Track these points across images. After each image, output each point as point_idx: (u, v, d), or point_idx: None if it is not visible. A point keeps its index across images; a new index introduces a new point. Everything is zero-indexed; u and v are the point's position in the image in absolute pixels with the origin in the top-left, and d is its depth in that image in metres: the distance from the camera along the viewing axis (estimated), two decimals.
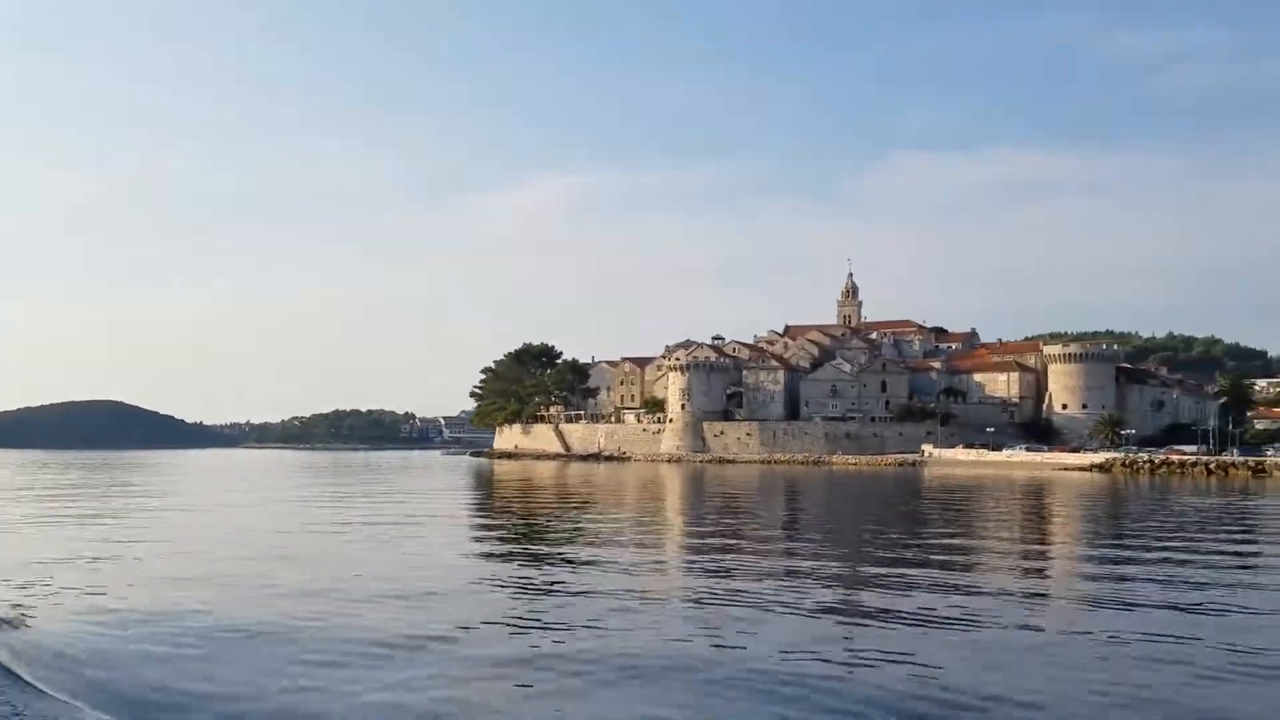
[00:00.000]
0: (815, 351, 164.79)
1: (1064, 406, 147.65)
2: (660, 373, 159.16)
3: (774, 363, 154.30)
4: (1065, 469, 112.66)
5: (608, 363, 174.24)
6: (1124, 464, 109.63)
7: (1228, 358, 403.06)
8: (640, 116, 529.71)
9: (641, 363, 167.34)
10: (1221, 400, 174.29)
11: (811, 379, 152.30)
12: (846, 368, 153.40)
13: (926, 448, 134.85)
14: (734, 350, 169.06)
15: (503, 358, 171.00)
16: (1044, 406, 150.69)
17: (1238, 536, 39.46)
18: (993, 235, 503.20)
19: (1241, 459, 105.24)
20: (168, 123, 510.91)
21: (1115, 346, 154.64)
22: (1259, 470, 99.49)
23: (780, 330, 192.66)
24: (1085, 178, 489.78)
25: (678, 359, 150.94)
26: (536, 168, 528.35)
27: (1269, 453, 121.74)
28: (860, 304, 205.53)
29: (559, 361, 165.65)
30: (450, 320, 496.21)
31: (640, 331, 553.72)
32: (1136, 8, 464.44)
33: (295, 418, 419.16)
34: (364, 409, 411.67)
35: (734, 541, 34.27)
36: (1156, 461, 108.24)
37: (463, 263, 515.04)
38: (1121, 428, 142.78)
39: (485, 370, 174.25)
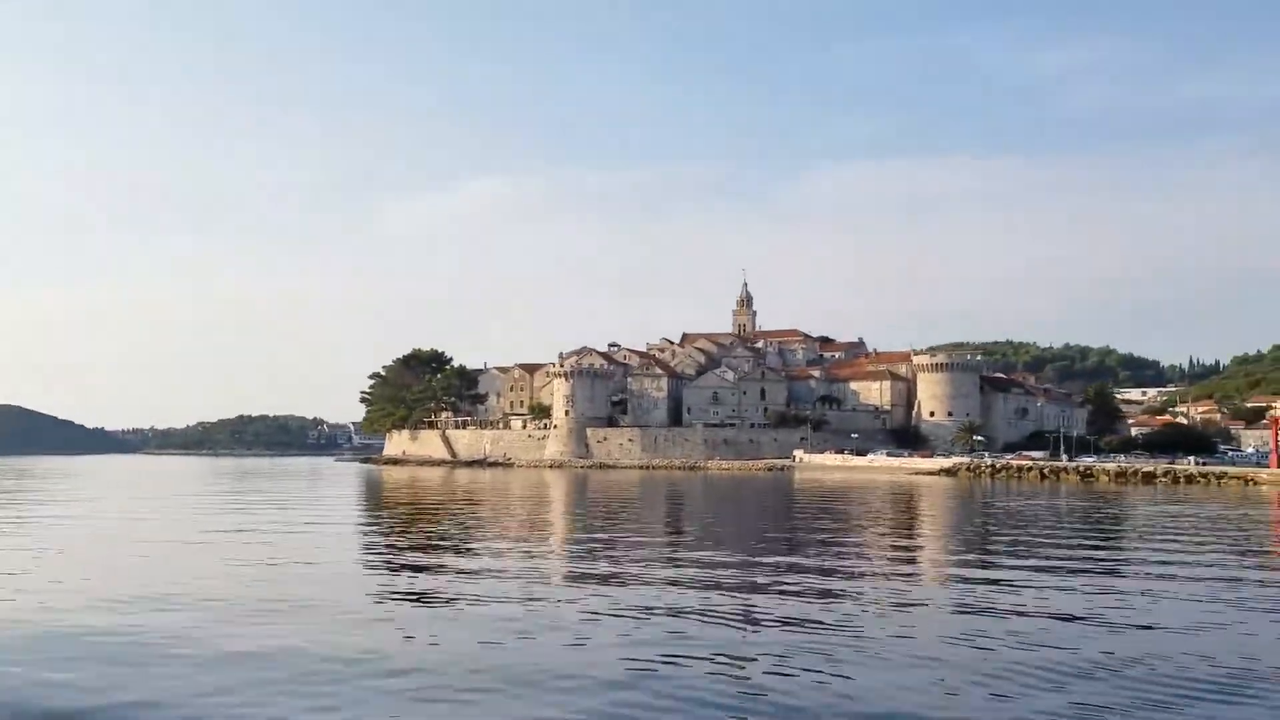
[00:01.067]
0: (702, 359, 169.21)
1: (931, 414, 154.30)
2: (548, 379, 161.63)
3: (659, 370, 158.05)
4: (918, 473, 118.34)
5: (498, 369, 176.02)
6: (968, 468, 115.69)
7: (1121, 367, 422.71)
8: (565, 122, 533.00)
9: (532, 369, 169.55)
10: (1087, 408, 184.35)
11: (694, 386, 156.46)
12: (730, 376, 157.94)
13: (798, 453, 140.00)
14: (625, 357, 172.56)
15: (391, 363, 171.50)
16: (914, 414, 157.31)
17: (1020, 533, 42.40)
18: (904, 245, 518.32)
19: (1072, 464, 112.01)
20: (95, 119, 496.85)
21: (979, 357, 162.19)
22: (1086, 475, 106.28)
23: (678, 338, 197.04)
24: (993, 189, 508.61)
25: (562, 366, 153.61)
26: (458, 171, 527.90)
27: (1119, 459, 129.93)
28: (755, 313, 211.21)
29: (448, 367, 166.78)
30: (362, 323, 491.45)
31: (549, 337, 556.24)
32: (1043, 27, 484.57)
33: (201, 423, 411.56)
34: (273, 415, 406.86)
35: (606, 547, 33.90)
36: (997, 466, 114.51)
37: (376, 265, 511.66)
38: (981, 434, 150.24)
39: (373, 376, 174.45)
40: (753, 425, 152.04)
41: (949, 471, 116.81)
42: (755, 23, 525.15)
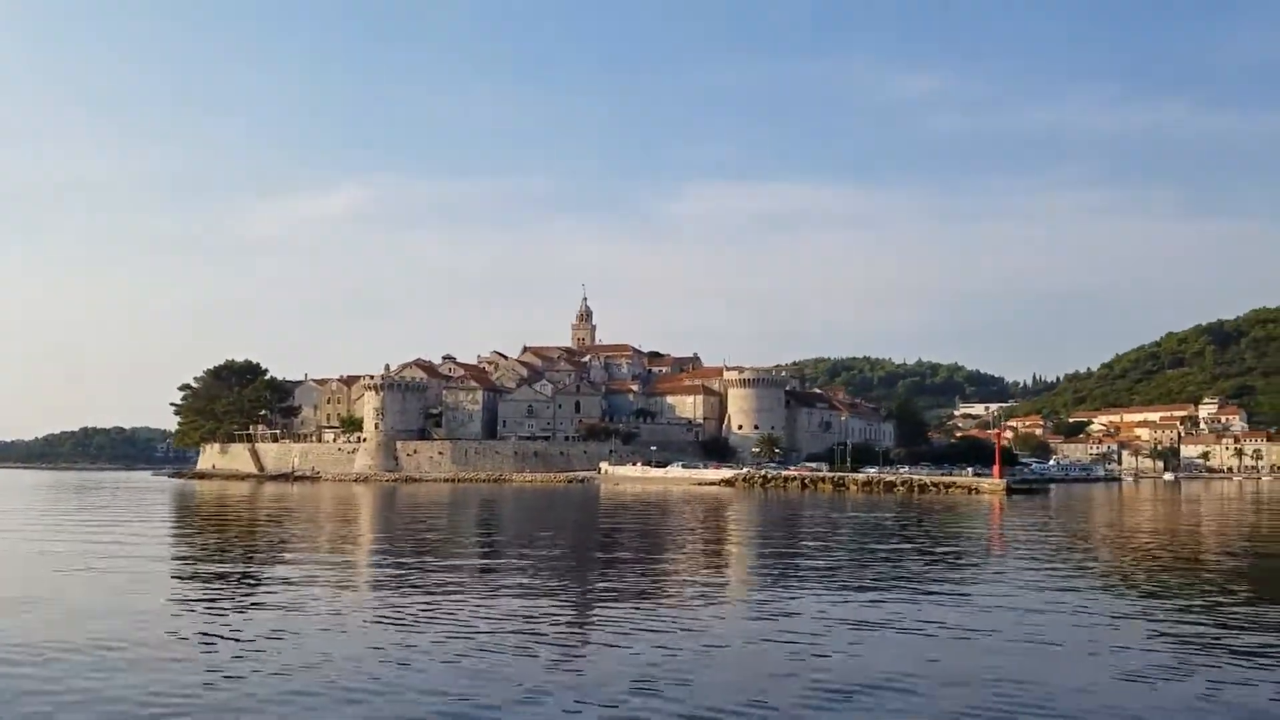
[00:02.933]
0: (525, 373, 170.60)
1: (739, 427, 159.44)
2: (362, 392, 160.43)
3: (474, 383, 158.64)
4: (702, 484, 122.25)
5: (316, 381, 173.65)
6: (745, 479, 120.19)
7: (969, 383, 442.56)
8: (434, 129, 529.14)
9: (350, 381, 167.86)
10: (893, 421, 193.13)
11: (509, 399, 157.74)
12: (548, 389, 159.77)
13: (604, 465, 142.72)
14: (450, 370, 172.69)
15: (202, 374, 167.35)
16: (724, 427, 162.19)
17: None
18: (766, 262, 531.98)
19: (832, 474, 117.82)
20: None
21: (784, 373, 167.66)
22: (839, 485, 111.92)
23: (519, 351, 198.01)
24: (853, 209, 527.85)
25: (372, 378, 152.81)
26: (321, 176, 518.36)
27: (903, 470, 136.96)
28: (594, 327, 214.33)
29: (259, 379, 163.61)
30: (211, 331, 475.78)
31: (395, 347, 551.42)
32: (901, 55, 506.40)
33: (48, 434, 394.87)
34: (126, 427, 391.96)
35: (401, 558, 33.53)
36: (768, 477, 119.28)
37: (230, 271, 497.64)
38: (785, 446, 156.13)
39: (183, 388, 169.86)
40: (567, 438, 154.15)
41: (728, 482, 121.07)
42: (625, 40, 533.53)
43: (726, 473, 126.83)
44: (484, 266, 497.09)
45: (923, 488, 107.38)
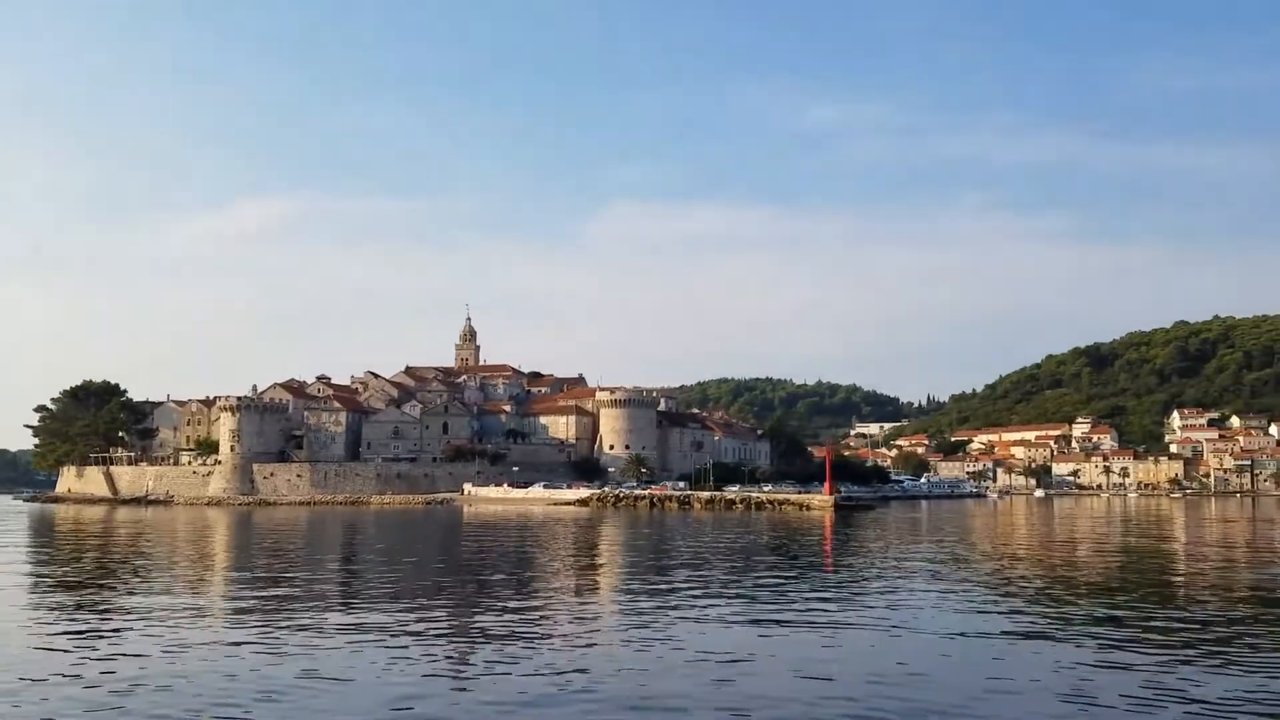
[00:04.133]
0: (395, 393, 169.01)
1: (611, 447, 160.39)
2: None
3: (337, 404, 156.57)
4: (558, 504, 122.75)
5: (176, 403, 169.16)
6: (598, 499, 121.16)
7: (865, 403, 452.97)
8: (353, 146, 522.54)
9: (210, 402, 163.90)
10: (768, 441, 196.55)
11: (374, 421, 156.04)
12: (416, 410, 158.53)
13: (467, 486, 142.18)
14: (319, 390, 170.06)
15: (59, 395, 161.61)
16: (596, 447, 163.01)
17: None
18: (681, 283, 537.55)
19: (680, 494, 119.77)
20: None
21: (654, 393, 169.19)
22: (684, 504, 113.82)
23: (402, 369, 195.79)
24: (768, 233, 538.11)
25: (227, 399, 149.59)
26: (237, 192, 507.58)
27: (766, 488, 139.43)
28: (478, 347, 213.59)
29: (115, 400, 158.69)
30: (112, 349, 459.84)
31: (283, 365, 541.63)
32: (823, 82, 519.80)
33: None
34: (13, 449, 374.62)
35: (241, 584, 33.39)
36: (620, 497, 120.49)
37: (134, 287, 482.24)
38: (653, 465, 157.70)
39: (40, 409, 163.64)
40: (434, 460, 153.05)
41: (583, 502, 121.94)
42: (547, 61, 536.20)
43: (584, 492, 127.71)
44: (393, 285, 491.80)
45: (759, 505, 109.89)
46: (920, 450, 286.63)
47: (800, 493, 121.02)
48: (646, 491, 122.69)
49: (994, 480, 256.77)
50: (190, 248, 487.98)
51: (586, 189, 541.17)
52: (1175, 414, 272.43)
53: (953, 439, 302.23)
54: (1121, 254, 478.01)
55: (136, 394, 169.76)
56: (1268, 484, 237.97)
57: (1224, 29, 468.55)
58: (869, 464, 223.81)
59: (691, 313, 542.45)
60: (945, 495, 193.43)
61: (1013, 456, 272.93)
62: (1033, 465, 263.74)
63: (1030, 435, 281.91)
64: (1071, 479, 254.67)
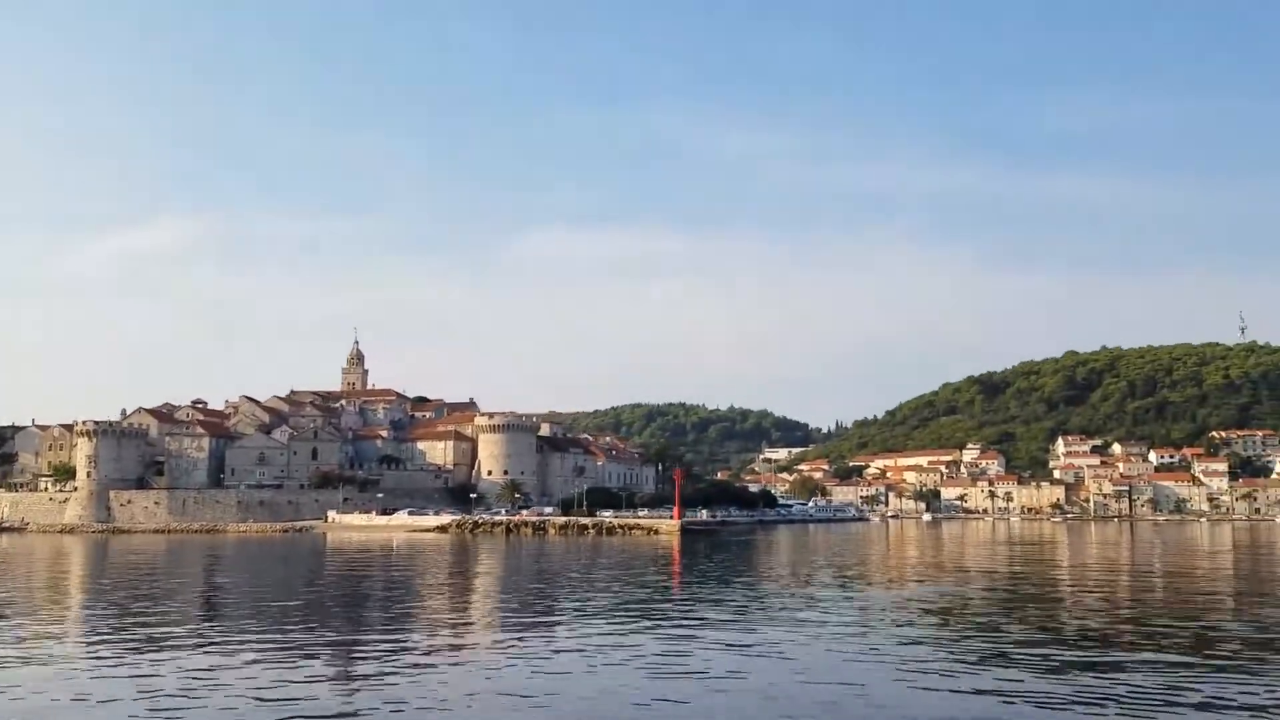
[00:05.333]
0: (266, 418, 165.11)
1: (489, 473, 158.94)
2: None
3: (200, 430, 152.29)
4: (417, 530, 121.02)
5: (39, 426, 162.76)
6: (457, 525, 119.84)
7: (775, 429, 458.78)
8: (267, 167, 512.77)
9: (71, 427, 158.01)
10: (654, 465, 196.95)
11: (238, 447, 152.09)
12: (284, 436, 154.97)
13: (331, 513, 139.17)
14: (187, 415, 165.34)
15: None
16: (474, 472, 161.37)
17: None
18: (602, 309, 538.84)
19: (535, 519, 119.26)
20: None
21: (534, 418, 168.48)
22: (539, 529, 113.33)
23: (284, 394, 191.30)
24: (685, 259, 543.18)
25: (84, 424, 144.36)
26: (150, 209, 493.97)
27: (643, 513, 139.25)
28: (366, 371, 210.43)
29: None
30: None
31: (173, 387, 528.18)
32: (738, 112, 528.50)
33: None
34: None
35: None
36: (478, 523, 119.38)
37: (49, 304, 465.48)
38: (531, 490, 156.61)
39: None
40: (301, 486, 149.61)
41: (442, 529, 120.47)
42: (468, 90, 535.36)
43: (445, 519, 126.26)
44: (305, 306, 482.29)
45: (610, 529, 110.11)
46: (818, 475, 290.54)
47: (650, 517, 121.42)
48: (504, 518, 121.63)
49: (886, 504, 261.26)
50: (91, 268, 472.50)
51: (505, 214, 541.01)
52: (1060, 440, 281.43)
53: (850, 464, 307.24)
54: (1021, 284, 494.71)
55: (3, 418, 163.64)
56: (1144, 509, 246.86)
57: (1118, 68, 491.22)
58: (763, 488, 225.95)
59: (606, 338, 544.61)
60: (828, 519, 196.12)
61: (905, 481, 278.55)
62: (923, 490, 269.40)
63: (923, 461, 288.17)
64: (959, 503, 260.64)
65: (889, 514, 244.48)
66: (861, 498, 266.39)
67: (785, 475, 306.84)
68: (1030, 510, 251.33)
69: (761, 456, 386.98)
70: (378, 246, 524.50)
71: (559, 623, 31.36)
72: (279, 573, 58.85)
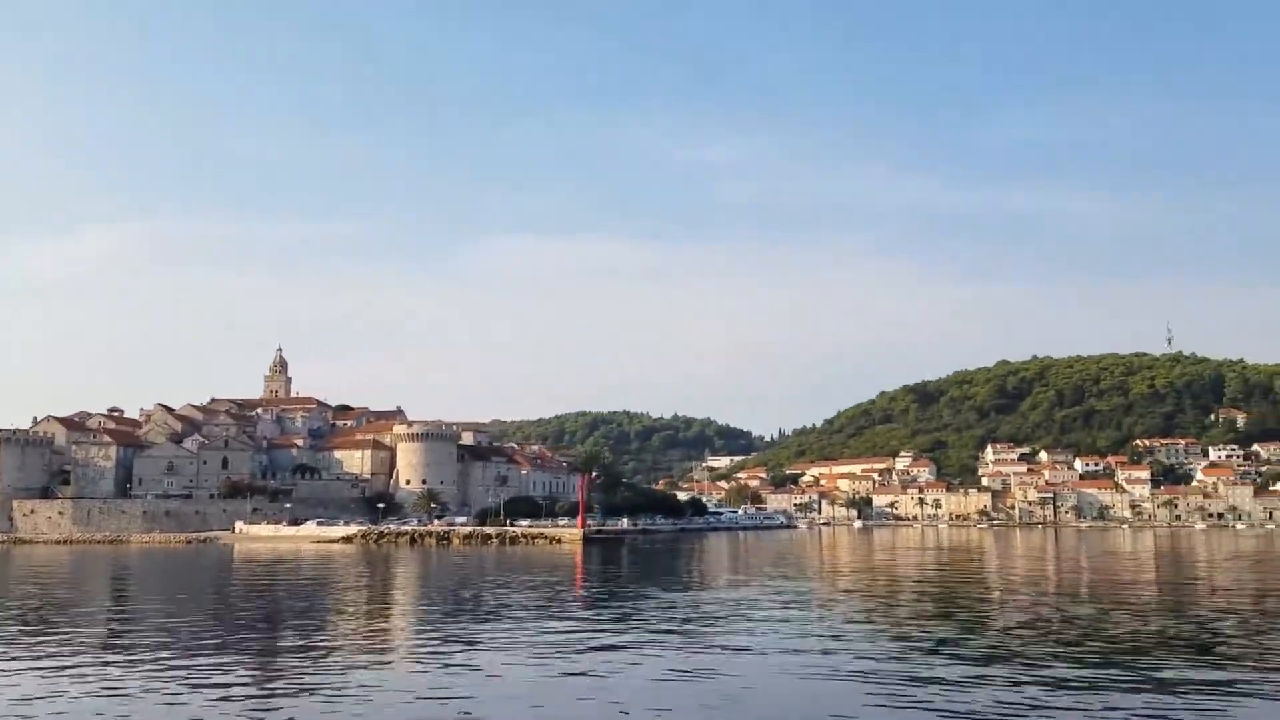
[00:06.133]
0: (179, 427, 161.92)
1: (408, 482, 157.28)
2: None
3: (108, 439, 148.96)
4: (329, 541, 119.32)
5: None
6: (362, 536, 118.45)
7: (719, 437, 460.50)
8: (221, 169, 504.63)
9: None
10: (578, 474, 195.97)
11: (147, 456, 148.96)
12: (193, 445, 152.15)
13: (239, 524, 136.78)
14: (99, 424, 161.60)
15: None
16: (392, 482, 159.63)
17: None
18: (551, 317, 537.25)
19: (439, 529, 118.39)
20: None
21: (454, 428, 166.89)
22: (443, 539, 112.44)
23: (206, 402, 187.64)
24: (640, 268, 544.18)
25: None
26: (82, 216, 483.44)
27: (562, 522, 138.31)
28: (290, 379, 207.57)
29: None
30: None
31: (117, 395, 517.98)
32: (701, 123, 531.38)
33: None
34: None
35: None
36: (383, 533, 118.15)
37: None
38: (449, 500, 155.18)
39: None
40: (211, 496, 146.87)
41: (348, 540, 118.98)
42: (429, 94, 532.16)
43: (351, 529, 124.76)
44: (254, 311, 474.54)
45: (513, 539, 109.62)
46: (755, 483, 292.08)
47: (556, 527, 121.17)
48: (410, 529, 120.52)
49: (819, 512, 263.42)
50: (31, 274, 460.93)
51: (457, 220, 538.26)
52: (989, 448, 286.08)
53: (787, 472, 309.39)
54: (970, 295, 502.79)
55: None
56: (1068, 515, 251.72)
57: (1059, 85, 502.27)
58: (694, 496, 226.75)
59: (553, 346, 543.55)
60: (756, 527, 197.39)
61: (838, 489, 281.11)
62: (856, 497, 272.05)
63: (857, 469, 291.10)
64: (890, 510, 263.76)
65: (821, 521, 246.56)
66: (795, 505, 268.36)
67: (723, 483, 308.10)
68: (958, 517, 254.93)
69: (703, 464, 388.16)
70: (332, 251, 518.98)
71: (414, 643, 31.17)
72: (167, 587, 57.67)
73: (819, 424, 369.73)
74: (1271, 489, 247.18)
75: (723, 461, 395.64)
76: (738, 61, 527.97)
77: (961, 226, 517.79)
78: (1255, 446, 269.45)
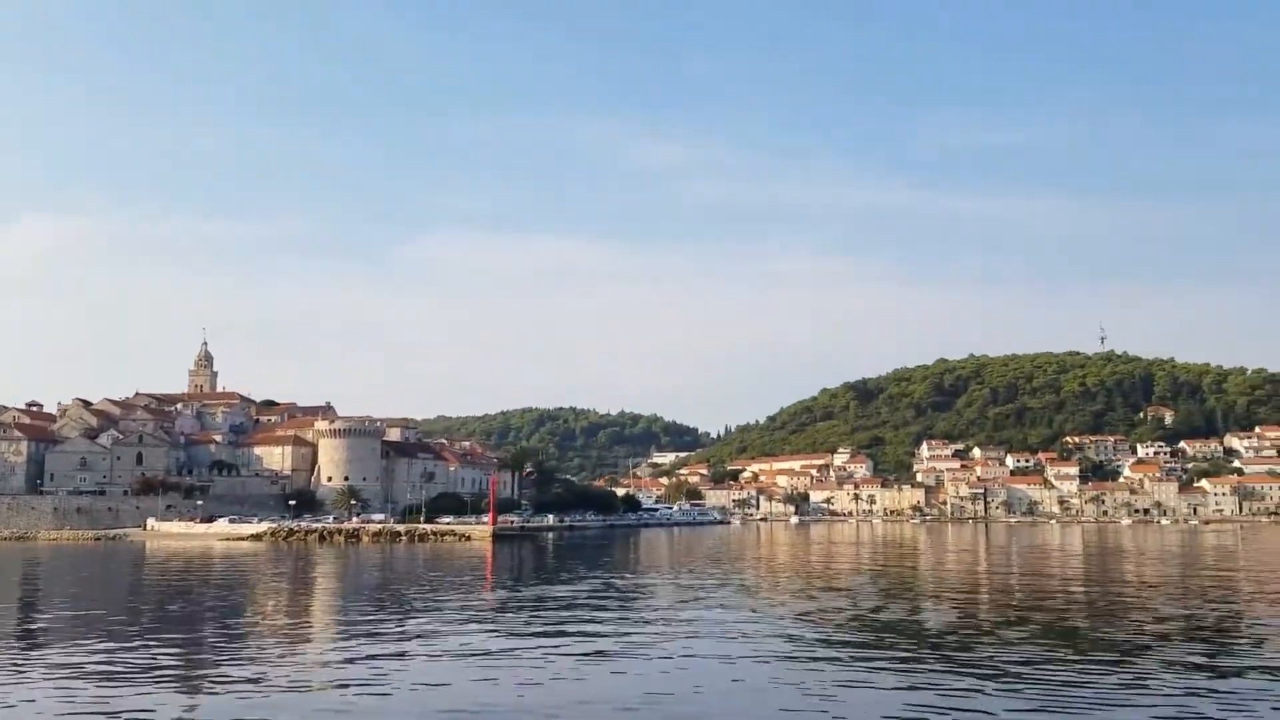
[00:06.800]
0: (94, 421, 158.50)
1: (329, 479, 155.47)
2: None
3: (18, 433, 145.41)
4: (238, 539, 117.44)
5: None
6: (271, 534, 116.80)
7: (665, 433, 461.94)
8: (154, 164, 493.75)
9: None
10: (509, 471, 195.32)
11: (59, 451, 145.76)
12: (108, 440, 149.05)
13: (151, 521, 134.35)
14: (14, 419, 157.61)
15: None
16: (313, 478, 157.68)
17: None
18: (499, 314, 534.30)
19: (349, 527, 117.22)
20: None
21: (380, 424, 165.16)
22: (353, 537, 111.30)
23: (130, 396, 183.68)
24: (585, 266, 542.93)
25: None
26: (17, 209, 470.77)
27: (449, 520, 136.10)
28: (216, 373, 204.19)
29: None
30: None
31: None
32: (653, 124, 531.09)
33: None
34: None
35: None
36: (292, 531, 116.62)
37: None
38: (367, 497, 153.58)
39: None
40: (125, 493, 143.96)
41: (258, 537, 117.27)
42: (383, 87, 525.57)
43: (263, 527, 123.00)
44: (194, 306, 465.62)
45: (422, 536, 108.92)
46: (695, 479, 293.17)
47: (464, 523, 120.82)
48: (319, 526, 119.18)
49: (756, 508, 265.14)
50: None
51: (404, 217, 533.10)
52: (924, 445, 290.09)
53: (729, 468, 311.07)
54: (912, 294, 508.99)
55: None
56: (999, 510, 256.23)
57: (999, 92, 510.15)
58: (629, 492, 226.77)
59: (502, 343, 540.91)
60: (690, 523, 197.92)
61: (776, 485, 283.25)
62: (794, 493, 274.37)
63: (796, 465, 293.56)
64: (826, 506, 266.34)
65: (758, 517, 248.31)
66: (734, 501, 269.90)
67: (665, 480, 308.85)
68: (892, 512, 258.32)
69: (648, 461, 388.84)
70: (271, 248, 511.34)
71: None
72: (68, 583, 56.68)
73: (763, 421, 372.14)
74: (1196, 485, 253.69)
75: (668, 458, 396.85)
76: (689, 63, 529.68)
77: (906, 228, 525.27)
78: (1182, 444, 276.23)
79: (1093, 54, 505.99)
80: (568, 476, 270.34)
